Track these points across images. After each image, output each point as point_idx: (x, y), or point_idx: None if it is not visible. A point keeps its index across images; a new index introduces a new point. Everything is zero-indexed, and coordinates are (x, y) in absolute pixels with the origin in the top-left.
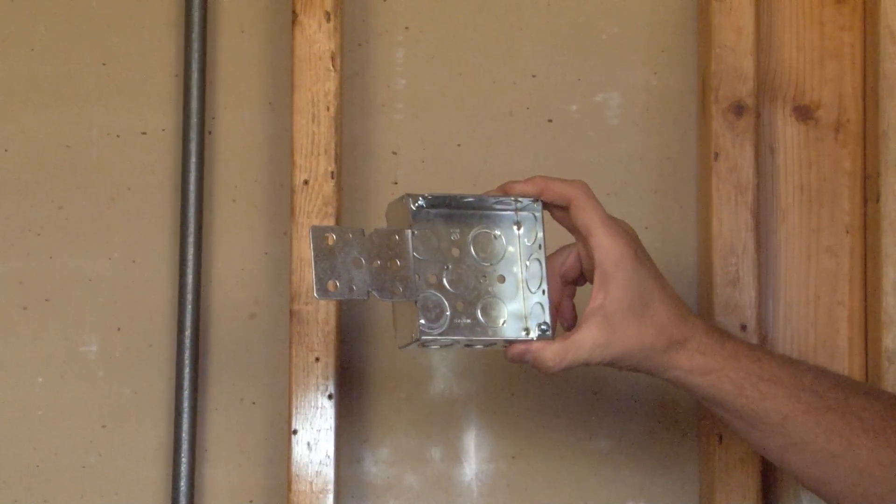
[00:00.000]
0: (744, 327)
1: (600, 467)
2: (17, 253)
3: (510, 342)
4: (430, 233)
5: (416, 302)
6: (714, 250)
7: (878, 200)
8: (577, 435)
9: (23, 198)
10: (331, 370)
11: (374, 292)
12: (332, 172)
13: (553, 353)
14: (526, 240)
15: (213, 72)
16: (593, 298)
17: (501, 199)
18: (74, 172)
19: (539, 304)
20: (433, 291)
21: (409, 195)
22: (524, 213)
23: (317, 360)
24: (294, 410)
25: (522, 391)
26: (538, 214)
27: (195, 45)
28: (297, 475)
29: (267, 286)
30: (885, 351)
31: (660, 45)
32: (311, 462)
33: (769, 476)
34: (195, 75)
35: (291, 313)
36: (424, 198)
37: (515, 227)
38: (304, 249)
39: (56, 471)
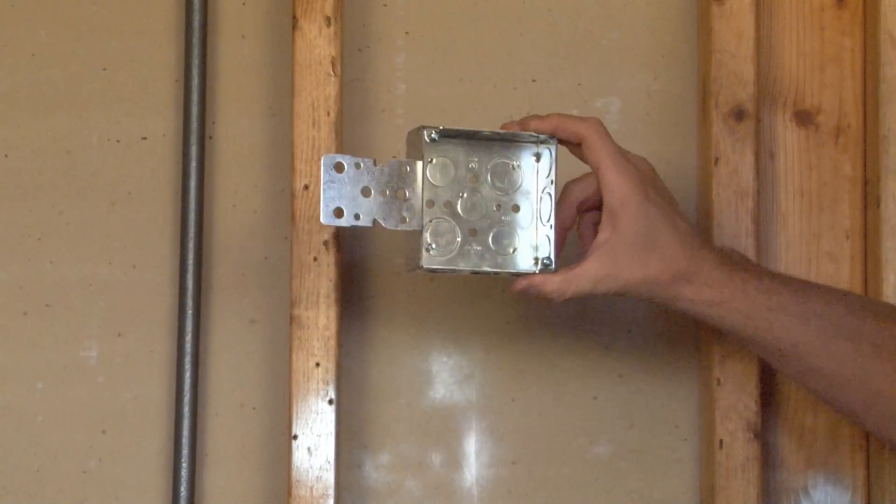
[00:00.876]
0: None
1: (601, 473)
2: (17, 258)
3: (514, 274)
4: (449, 160)
5: (421, 231)
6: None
7: (878, 205)
8: (578, 440)
9: (23, 203)
10: (331, 375)
11: (379, 220)
12: None
13: (555, 286)
14: (543, 173)
15: (214, 77)
16: (600, 233)
17: (518, 134)
18: (75, 177)
19: (547, 237)
20: (446, 217)
21: (424, 127)
22: (543, 147)
23: (317, 365)
24: (294, 416)
25: (522, 397)
26: (553, 150)
27: (195, 51)
28: (298, 480)
29: (267, 291)
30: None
31: (660, 50)
32: (311, 467)
33: (770, 482)
34: (195, 80)
35: (292, 318)
36: (439, 130)
37: (534, 159)
38: (305, 255)
39: (56, 476)
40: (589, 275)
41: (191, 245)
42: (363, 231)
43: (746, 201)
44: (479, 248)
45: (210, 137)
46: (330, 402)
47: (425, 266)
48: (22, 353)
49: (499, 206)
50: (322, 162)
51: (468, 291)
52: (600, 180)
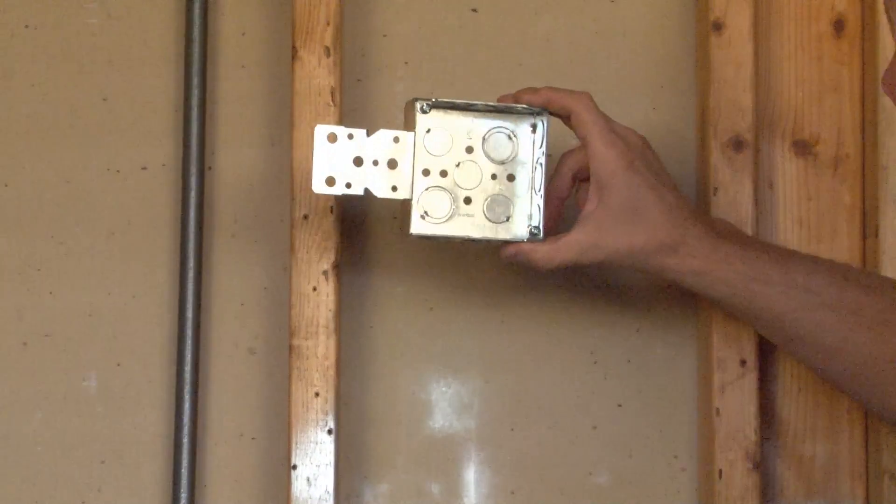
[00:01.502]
0: (743, 363)
1: (600, 503)
2: (17, 288)
3: (504, 242)
4: (446, 130)
5: (411, 200)
6: None
7: (876, 235)
8: (577, 470)
9: (23, 233)
10: (330, 405)
11: (370, 189)
12: (332, 207)
13: (542, 254)
14: (538, 143)
15: (213, 107)
16: (588, 203)
17: (511, 106)
18: (75, 207)
19: (538, 206)
20: (442, 186)
21: (417, 98)
22: (537, 119)
23: (316, 395)
24: (293, 446)
25: (522, 426)
26: (545, 122)
27: (195, 81)
28: None
29: (266, 321)
30: None
31: (658, 79)
32: (310, 497)
33: None
34: (195, 110)
35: (291, 348)
36: (431, 102)
37: (531, 130)
38: (304, 284)
39: None
40: (575, 244)
41: (190, 275)
42: (363, 260)
43: (745, 230)
44: (473, 216)
45: (210, 167)
46: (329, 431)
47: (413, 232)
48: (21, 382)
49: (494, 175)
50: (315, 132)
51: (467, 321)
52: (588, 152)
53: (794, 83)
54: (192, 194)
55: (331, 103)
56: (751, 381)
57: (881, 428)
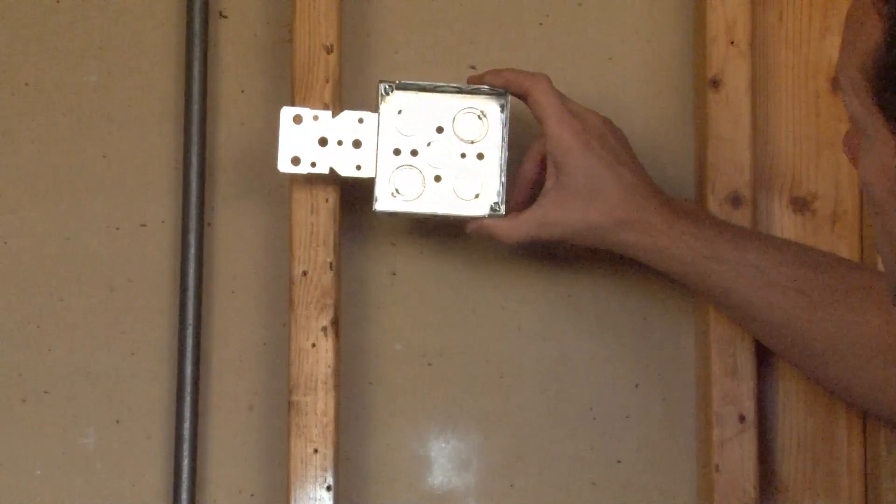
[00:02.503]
0: (742, 418)
1: None
2: (16, 345)
3: (469, 219)
4: (416, 109)
5: (374, 179)
6: (712, 341)
7: None
8: None
9: (22, 290)
10: (329, 462)
11: (335, 168)
12: (331, 263)
13: (502, 229)
14: (504, 123)
15: (213, 163)
16: (546, 181)
17: (475, 87)
18: (74, 264)
19: (501, 184)
20: (411, 165)
21: (382, 81)
22: (501, 99)
23: (315, 451)
24: (292, 502)
25: (521, 483)
26: (506, 103)
27: (194, 138)
28: None
29: (265, 377)
30: (884, 441)
31: (656, 136)
32: None
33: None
34: (194, 167)
35: (290, 404)
36: (395, 84)
37: (500, 110)
38: (303, 340)
39: None
40: (534, 220)
41: (189, 331)
42: (362, 317)
43: None
44: (443, 194)
45: (209, 224)
46: (328, 488)
47: (377, 209)
48: (20, 439)
49: (464, 154)
50: (281, 114)
51: (466, 377)
52: (544, 132)
53: (791, 140)
54: (192, 251)
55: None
56: (750, 437)
57: (880, 485)
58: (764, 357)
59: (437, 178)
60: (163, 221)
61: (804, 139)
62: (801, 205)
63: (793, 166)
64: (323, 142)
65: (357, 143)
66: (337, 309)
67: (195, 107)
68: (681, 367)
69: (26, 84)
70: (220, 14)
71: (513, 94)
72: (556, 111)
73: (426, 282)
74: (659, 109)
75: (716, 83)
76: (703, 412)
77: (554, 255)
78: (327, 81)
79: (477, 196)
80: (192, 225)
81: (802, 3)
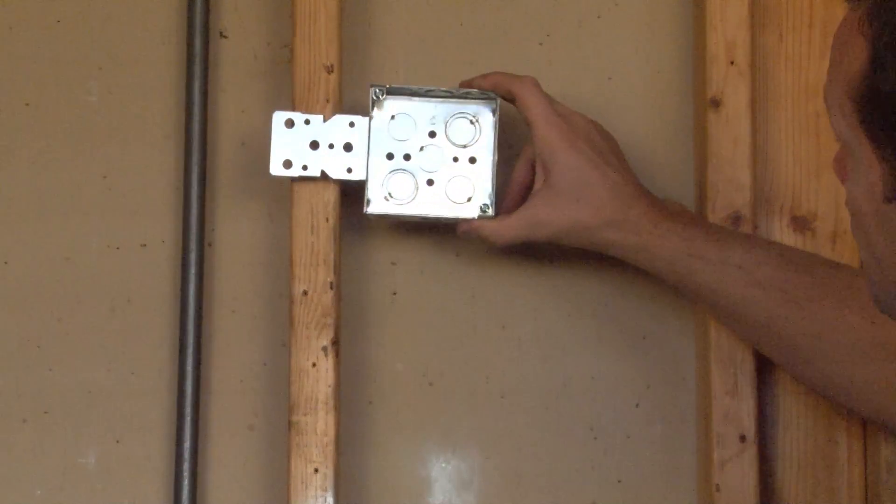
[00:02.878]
0: (743, 437)
1: None
2: (16, 365)
3: (460, 221)
4: (409, 114)
5: (366, 182)
6: (713, 361)
7: None
8: None
9: (22, 310)
10: (329, 481)
11: (326, 171)
12: (331, 283)
13: (491, 230)
14: (496, 126)
15: (213, 183)
16: (535, 183)
17: (466, 91)
18: (74, 284)
19: (492, 185)
20: (404, 169)
21: (372, 84)
22: (495, 102)
23: (315, 471)
24: None
25: (522, 502)
26: (497, 106)
27: (195, 157)
28: None
29: (265, 397)
30: (884, 461)
31: (656, 156)
32: None
33: None
34: (195, 187)
35: (290, 424)
36: (383, 89)
37: (491, 114)
38: (304, 360)
39: None
40: (523, 220)
41: (190, 351)
42: (362, 336)
43: None
44: (435, 198)
45: (209, 244)
46: None
47: (368, 212)
48: (20, 459)
49: (456, 158)
50: (273, 118)
51: (467, 396)
52: (531, 134)
53: (791, 159)
54: (192, 270)
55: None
56: (750, 456)
57: None
58: (764, 377)
59: (430, 182)
60: (163, 241)
61: (804, 159)
62: (801, 224)
63: (793, 186)
64: (314, 145)
65: (348, 147)
66: (337, 328)
67: (196, 126)
68: (681, 386)
69: (27, 104)
70: (221, 34)
71: (501, 96)
72: (544, 113)
73: (427, 301)
74: (659, 129)
75: (716, 103)
76: (704, 432)
77: (555, 274)
78: (328, 101)
79: (469, 199)
80: (193, 245)
81: (802, 24)
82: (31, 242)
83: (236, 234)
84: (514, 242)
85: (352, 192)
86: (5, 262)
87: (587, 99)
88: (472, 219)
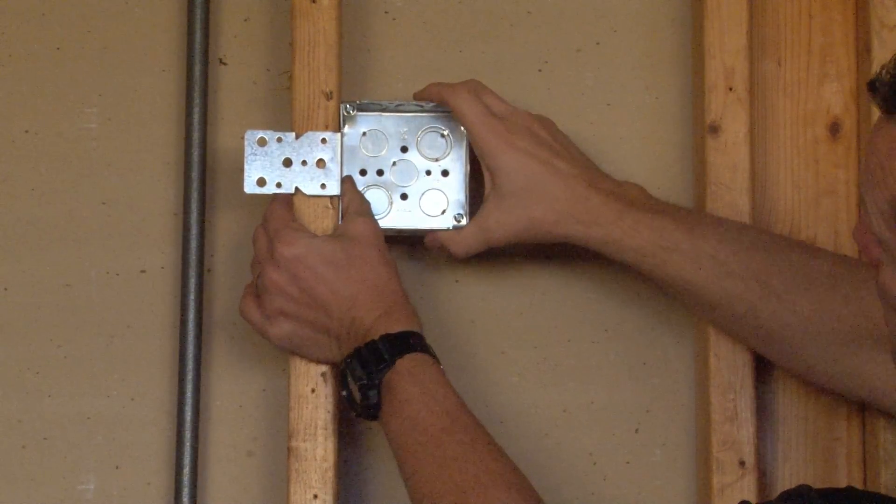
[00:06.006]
0: (742, 463)
1: None
2: (15, 392)
3: (428, 232)
4: (380, 130)
5: (339, 197)
6: (712, 387)
7: None
8: None
9: (22, 337)
10: None
11: (300, 188)
12: None
13: (451, 240)
14: (467, 138)
15: (212, 210)
16: (486, 189)
17: (435, 105)
18: (74, 311)
19: (467, 197)
20: (378, 184)
21: (343, 101)
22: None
23: (315, 497)
24: None
25: None
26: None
27: (194, 184)
28: None
29: (265, 423)
30: (884, 487)
31: (655, 182)
32: None
33: None
34: (194, 214)
35: (289, 450)
36: (354, 104)
37: (461, 126)
38: (303, 386)
39: None
40: (476, 228)
41: (189, 377)
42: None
43: None
44: (410, 211)
45: (209, 270)
46: None
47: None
48: (20, 486)
49: (429, 171)
50: (245, 137)
51: None
52: (471, 141)
53: (790, 186)
54: (192, 297)
55: (329, 206)
56: (750, 482)
57: None
58: (763, 402)
59: (404, 196)
60: (162, 267)
61: (803, 185)
62: None
63: (792, 213)
64: (287, 163)
65: (321, 163)
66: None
67: (195, 153)
68: (680, 412)
69: (26, 131)
70: (220, 61)
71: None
72: (477, 117)
73: (425, 327)
74: (658, 156)
75: (714, 129)
76: (703, 458)
77: (554, 300)
78: (326, 127)
79: (443, 212)
80: (192, 271)
81: (800, 51)
82: (31, 269)
83: (236, 260)
84: (474, 250)
85: None
86: (5, 289)
87: (585, 125)
88: (437, 230)
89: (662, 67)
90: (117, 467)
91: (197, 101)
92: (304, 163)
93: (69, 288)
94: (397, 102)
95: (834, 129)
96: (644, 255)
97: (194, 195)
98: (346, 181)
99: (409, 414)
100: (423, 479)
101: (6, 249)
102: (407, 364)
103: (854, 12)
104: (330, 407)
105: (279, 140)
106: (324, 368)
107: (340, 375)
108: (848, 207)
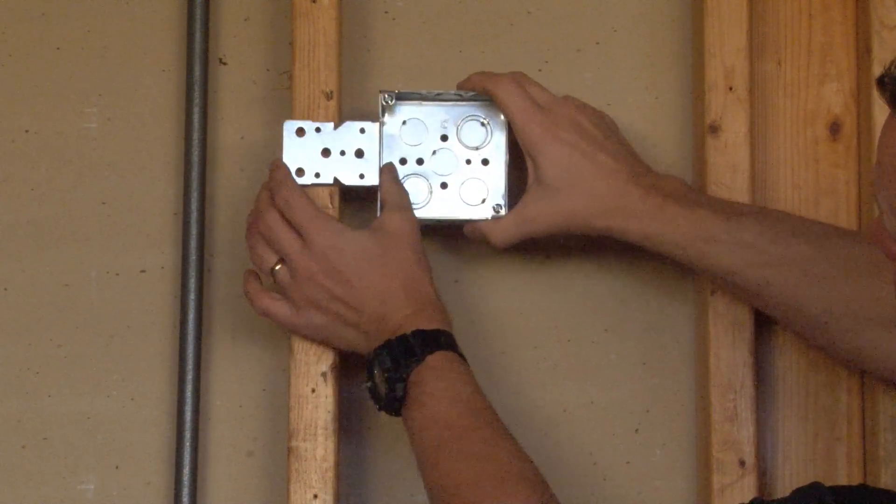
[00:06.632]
0: (742, 463)
1: None
2: (15, 392)
3: (467, 221)
4: (420, 119)
5: (378, 187)
6: (712, 387)
7: None
8: None
9: (22, 336)
10: None
11: (339, 178)
12: None
13: (491, 230)
14: (507, 127)
15: (213, 210)
16: (528, 179)
17: (474, 94)
18: (73, 311)
19: (507, 187)
20: (418, 174)
21: (382, 91)
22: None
23: (315, 497)
24: None
25: None
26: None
27: (194, 184)
28: None
29: (265, 423)
30: (884, 486)
31: None
32: None
33: None
34: (194, 214)
35: (289, 450)
36: (392, 94)
37: (501, 115)
38: (303, 386)
39: None
40: (517, 218)
41: (189, 377)
42: (361, 362)
43: (744, 332)
44: (449, 200)
45: (209, 270)
46: None
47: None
48: (20, 486)
49: (469, 160)
50: (284, 127)
51: None
52: (514, 131)
53: (790, 186)
54: (192, 297)
55: (329, 205)
56: (750, 482)
57: None
58: (764, 402)
59: (444, 185)
60: (162, 267)
61: (803, 186)
62: None
63: (792, 212)
64: (326, 153)
65: (360, 153)
66: (336, 354)
67: (195, 153)
68: (680, 412)
69: (26, 131)
70: (220, 61)
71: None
72: (521, 108)
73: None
74: (658, 155)
75: (714, 129)
76: (703, 458)
77: (554, 300)
78: None
79: (483, 201)
80: (192, 271)
81: (800, 51)
82: (31, 269)
83: (236, 262)
84: (513, 241)
85: (356, 214)
86: (5, 289)
87: None
88: (477, 220)
89: (662, 67)
90: (117, 467)
91: (197, 100)
92: (342, 153)
93: (69, 288)
94: (437, 92)
95: (834, 128)
96: (684, 247)
97: (194, 195)
98: (387, 171)
99: (433, 408)
100: (441, 473)
101: (6, 249)
102: (436, 360)
103: (854, 12)
104: (330, 407)
105: (318, 130)
106: (324, 368)
107: (367, 366)
108: (848, 207)
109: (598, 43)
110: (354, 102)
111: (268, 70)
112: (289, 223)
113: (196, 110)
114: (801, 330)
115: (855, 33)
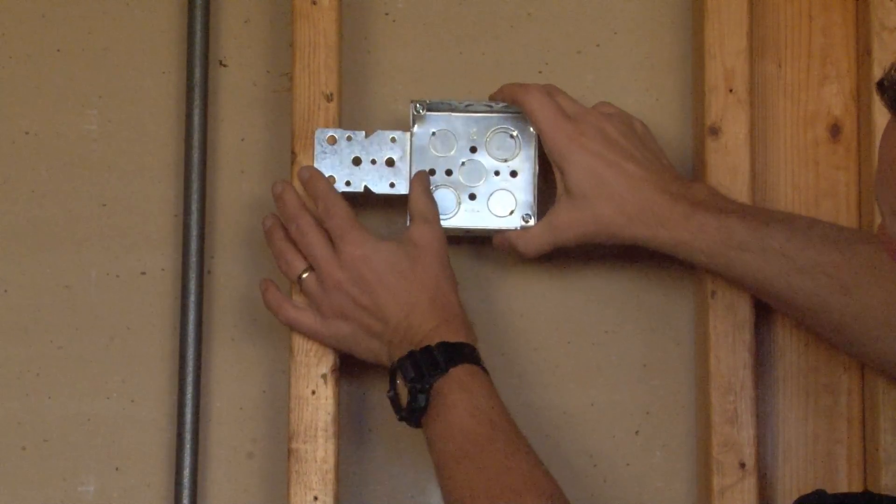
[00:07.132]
0: (742, 465)
1: None
2: (16, 393)
3: (496, 233)
4: (450, 130)
5: (408, 197)
6: (712, 388)
7: None
8: None
9: (22, 338)
10: None
11: (369, 186)
12: None
13: (520, 240)
14: (536, 139)
15: (213, 212)
16: (557, 189)
17: (504, 105)
18: (74, 313)
19: (535, 198)
20: (447, 184)
21: (413, 101)
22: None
23: (315, 498)
24: None
25: None
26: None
27: (194, 186)
28: None
29: (265, 425)
30: (884, 489)
31: None
32: None
33: None
34: (194, 216)
35: (289, 452)
36: (424, 104)
37: (530, 126)
38: (303, 388)
39: None
40: (546, 227)
41: (189, 379)
42: (361, 364)
43: (744, 334)
44: (478, 211)
45: (209, 272)
46: None
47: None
48: (20, 488)
49: (498, 172)
50: (315, 135)
51: None
52: (542, 141)
53: (790, 188)
54: (192, 298)
55: None
56: (750, 484)
57: None
58: (764, 404)
59: (472, 196)
60: (163, 269)
61: (803, 188)
62: None
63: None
64: (357, 161)
65: (390, 162)
66: (336, 356)
67: (195, 155)
68: (680, 414)
69: (26, 132)
70: (221, 63)
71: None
72: (548, 118)
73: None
74: None
75: (715, 131)
76: (704, 459)
77: (554, 303)
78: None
79: (511, 212)
80: (192, 273)
81: (801, 53)
82: (31, 270)
83: (236, 262)
84: (542, 250)
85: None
86: (5, 291)
87: None
88: (506, 230)
89: (662, 69)
90: (117, 468)
91: (197, 102)
92: (373, 161)
93: (69, 289)
94: (466, 102)
95: (834, 130)
96: (712, 255)
97: (194, 197)
98: (418, 181)
99: (454, 419)
100: (459, 483)
101: (6, 250)
102: (459, 373)
103: (854, 14)
104: (330, 409)
105: (349, 139)
106: (324, 370)
107: (389, 375)
108: (848, 209)
109: (598, 45)
110: (355, 104)
111: (268, 72)
112: (322, 230)
113: (196, 112)
114: (829, 336)
115: (855, 35)
